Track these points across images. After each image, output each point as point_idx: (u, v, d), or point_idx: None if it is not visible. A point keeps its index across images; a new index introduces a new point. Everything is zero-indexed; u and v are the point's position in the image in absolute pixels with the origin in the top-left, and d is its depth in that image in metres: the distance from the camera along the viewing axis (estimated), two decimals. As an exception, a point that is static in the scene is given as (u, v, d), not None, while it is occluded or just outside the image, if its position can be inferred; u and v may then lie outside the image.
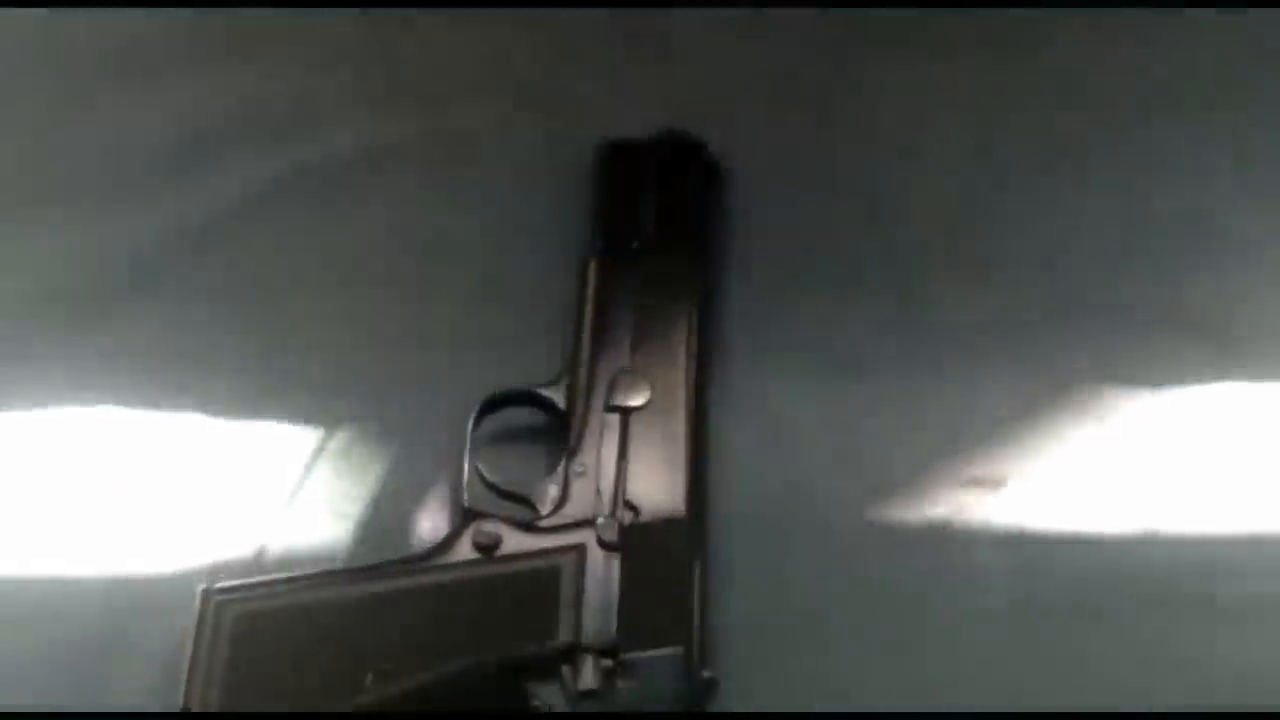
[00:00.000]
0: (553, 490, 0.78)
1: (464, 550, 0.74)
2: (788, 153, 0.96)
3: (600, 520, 0.75)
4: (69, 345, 0.88)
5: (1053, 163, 0.96)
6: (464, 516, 0.76)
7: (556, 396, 0.81)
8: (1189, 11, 0.99)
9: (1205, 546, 0.81)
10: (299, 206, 0.94)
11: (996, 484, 0.83)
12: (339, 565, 0.78)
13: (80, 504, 0.82)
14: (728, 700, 0.73)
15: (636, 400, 0.80)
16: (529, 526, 0.76)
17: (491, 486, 0.78)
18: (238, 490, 0.82)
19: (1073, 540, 0.81)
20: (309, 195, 0.95)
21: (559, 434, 0.80)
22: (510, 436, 0.82)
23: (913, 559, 0.80)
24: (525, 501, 0.78)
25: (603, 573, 0.74)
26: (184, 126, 0.98)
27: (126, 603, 0.78)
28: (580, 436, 0.79)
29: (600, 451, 0.78)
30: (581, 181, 0.92)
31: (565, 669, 0.71)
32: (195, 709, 0.69)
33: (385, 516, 0.81)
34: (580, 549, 0.74)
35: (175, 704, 0.70)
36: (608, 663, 0.71)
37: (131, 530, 0.81)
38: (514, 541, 0.75)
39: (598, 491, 0.77)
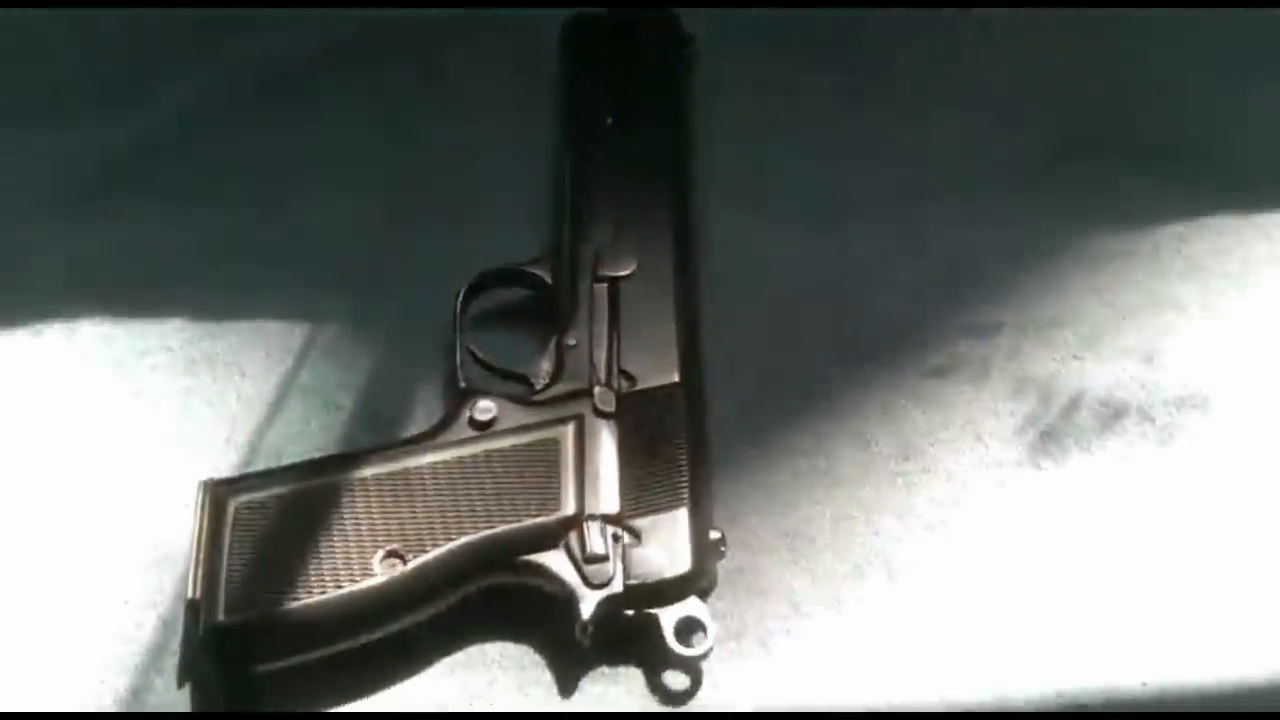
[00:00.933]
0: (546, 365, 0.77)
1: (462, 428, 0.74)
2: (760, 23, 0.96)
3: (596, 390, 0.75)
4: (46, 250, 0.87)
5: (1039, 14, 0.96)
6: (459, 396, 0.76)
7: (543, 273, 0.81)
8: None
9: (1202, 381, 0.81)
10: (273, 105, 0.94)
11: (993, 331, 0.82)
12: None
13: (67, 413, 0.81)
14: (732, 558, 0.74)
15: (624, 270, 0.79)
16: (525, 401, 0.75)
17: (485, 365, 0.78)
18: (229, 388, 0.82)
19: (1073, 380, 0.81)
20: (283, 93, 0.94)
21: (548, 310, 0.80)
22: (500, 316, 0.82)
23: (912, 408, 0.80)
24: (519, 378, 0.77)
25: (602, 441, 0.74)
26: (140, 41, 0.97)
27: (126, 505, 0.77)
28: (570, 310, 0.79)
29: (591, 323, 0.78)
30: (553, 60, 0.91)
31: (572, 537, 0.71)
32: (200, 599, 0.69)
33: (379, 404, 0.81)
34: (578, 419, 0.74)
35: (181, 596, 0.70)
36: (613, 529, 0.71)
37: (124, 432, 0.80)
38: (511, 416, 0.74)
39: (591, 362, 0.76)
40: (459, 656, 0.72)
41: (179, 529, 0.73)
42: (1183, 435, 0.79)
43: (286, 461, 0.76)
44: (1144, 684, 0.71)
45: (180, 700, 0.70)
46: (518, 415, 0.74)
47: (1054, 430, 0.79)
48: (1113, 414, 0.79)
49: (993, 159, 0.89)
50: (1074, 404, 0.80)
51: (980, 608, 0.73)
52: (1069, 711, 0.70)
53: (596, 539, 0.70)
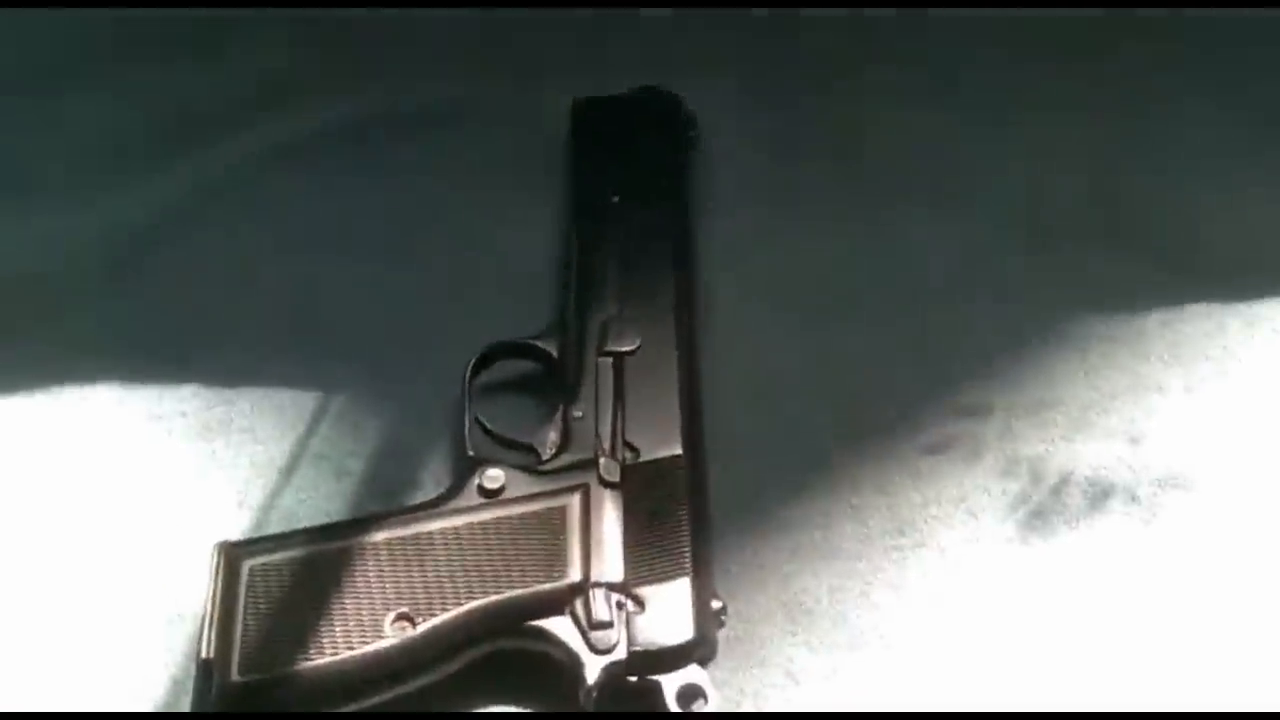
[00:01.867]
0: (553, 435, 0.79)
1: (471, 495, 0.76)
2: (760, 99, 0.99)
3: (601, 461, 0.77)
4: (59, 328, 0.89)
5: (1023, 97, 0.99)
6: (468, 465, 0.77)
7: (550, 346, 0.83)
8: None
9: (1185, 462, 0.83)
10: (282, 183, 0.96)
11: (985, 412, 0.85)
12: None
13: (85, 478, 0.83)
14: (732, 627, 0.75)
15: (627, 345, 0.82)
16: (533, 470, 0.77)
17: (493, 435, 0.80)
18: (242, 453, 0.83)
19: (1062, 460, 0.83)
20: (292, 171, 0.96)
21: (554, 383, 0.82)
22: (506, 389, 0.84)
23: (907, 488, 0.82)
24: (526, 448, 0.79)
25: (607, 510, 0.75)
26: (161, 110, 1.00)
27: (139, 566, 0.79)
28: (576, 383, 0.81)
29: (596, 396, 0.80)
30: (562, 140, 0.94)
31: (577, 603, 0.72)
32: (214, 658, 0.70)
33: (389, 472, 0.82)
34: (584, 489, 0.76)
35: (192, 656, 0.72)
36: (618, 596, 0.73)
37: (139, 500, 0.81)
38: (519, 485, 0.76)
39: (596, 434, 0.78)
40: (464, 721, 0.74)
41: (191, 590, 0.75)
42: (1166, 515, 0.80)
43: (298, 526, 0.78)
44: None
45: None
46: (525, 484, 0.76)
47: (1043, 509, 0.81)
48: (1100, 493, 0.81)
49: (987, 246, 0.92)
50: (1062, 483, 0.82)
51: (972, 680, 0.75)
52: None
53: (601, 606, 0.72)
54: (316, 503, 0.81)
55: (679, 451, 0.78)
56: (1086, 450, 0.83)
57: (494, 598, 0.72)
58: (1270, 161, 0.96)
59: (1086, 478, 0.82)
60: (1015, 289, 0.90)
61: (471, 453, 0.78)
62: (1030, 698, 0.74)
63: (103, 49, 1.03)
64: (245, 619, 0.71)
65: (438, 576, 0.73)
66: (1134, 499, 0.81)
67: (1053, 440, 0.84)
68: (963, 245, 0.92)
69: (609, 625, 0.72)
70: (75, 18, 1.04)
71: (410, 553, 0.73)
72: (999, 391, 0.85)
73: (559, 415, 0.80)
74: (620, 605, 0.73)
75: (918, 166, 0.96)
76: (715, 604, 0.74)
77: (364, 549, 0.73)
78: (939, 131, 0.97)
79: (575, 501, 0.76)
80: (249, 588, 0.72)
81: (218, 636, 0.71)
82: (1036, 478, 0.82)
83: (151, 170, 0.96)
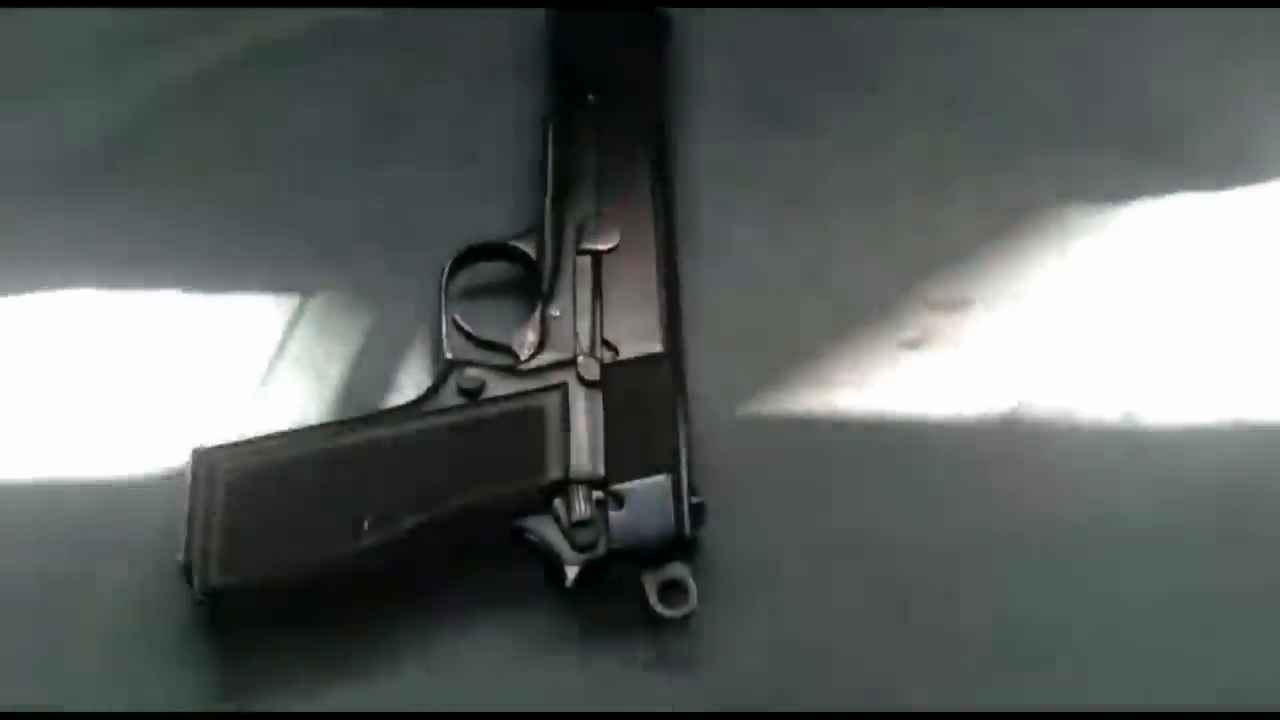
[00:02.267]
0: (530, 336, 0.79)
1: (449, 397, 0.76)
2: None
3: (580, 360, 0.77)
4: (34, 231, 0.88)
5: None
6: (446, 366, 0.77)
7: (527, 247, 0.82)
8: None
9: (1165, 364, 0.83)
10: (261, 83, 0.94)
11: (963, 305, 0.85)
12: (326, 422, 0.79)
13: (62, 384, 0.82)
14: (712, 526, 0.75)
15: (606, 244, 0.81)
16: (510, 371, 0.77)
17: (470, 336, 0.79)
18: (218, 362, 0.83)
19: (1039, 356, 0.83)
20: (269, 72, 0.94)
21: (532, 284, 0.82)
22: (484, 290, 0.83)
23: (884, 382, 0.82)
24: (504, 349, 0.79)
25: (586, 410, 0.75)
26: (129, 14, 0.97)
27: (118, 476, 0.79)
28: (554, 282, 0.80)
29: (575, 295, 0.80)
30: (537, 40, 0.92)
31: (557, 502, 0.73)
32: (195, 564, 0.70)
33: (366, 375, 0.82)
34: (562, 388, 0.76)
35: (174, 564, 0.72)
36: (598, 494, 0.73)
37: (116, 407, 0.81)
38: (497, 386, 0.76)
39: (575, 333, 0.78)
40: (451, 619, 0.74)
41: (171, 495, 0.74)
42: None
43: (276, 430, 0.77)
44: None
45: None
46: (503, 385, 0.76)
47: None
48: (1081, 386, 0.82)
49: (966, 144, 0.91)
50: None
51: (954, 571, 0.76)
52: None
53: (581, 503, 0.72)
54: (295, 407, 0.81)
55: (658, 349, 0.78)
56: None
57: (474, 497, 0.72)
58: (1245, 48, 0.95)
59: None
60: (994, 185, 0.89)
61: (449, 355, 0.78)
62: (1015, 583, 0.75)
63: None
64: (223, 523, 0.71)
65: (417, 478, 0.73)
66: (1115, 390, 0.82)
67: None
68: (942, 143, 0.90)
69: (590, 523, 0.72)
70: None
71: (389, 454, 0.73)
72: (976, 285, 0.85)
73: (537, 315, 0.79)
74: (600, 503, 0.73)
75: (896, 65, 0.94)
76: (695, 499, 0.74)
77: (342, 451, 0.74)
78: (919, 31, 0.95)
79: (554, 400, 0.75)
80: (227, 492, 0.72)
81: (197, 541, 0.71)
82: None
83: (118, 75, 0.94)
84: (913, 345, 0.83)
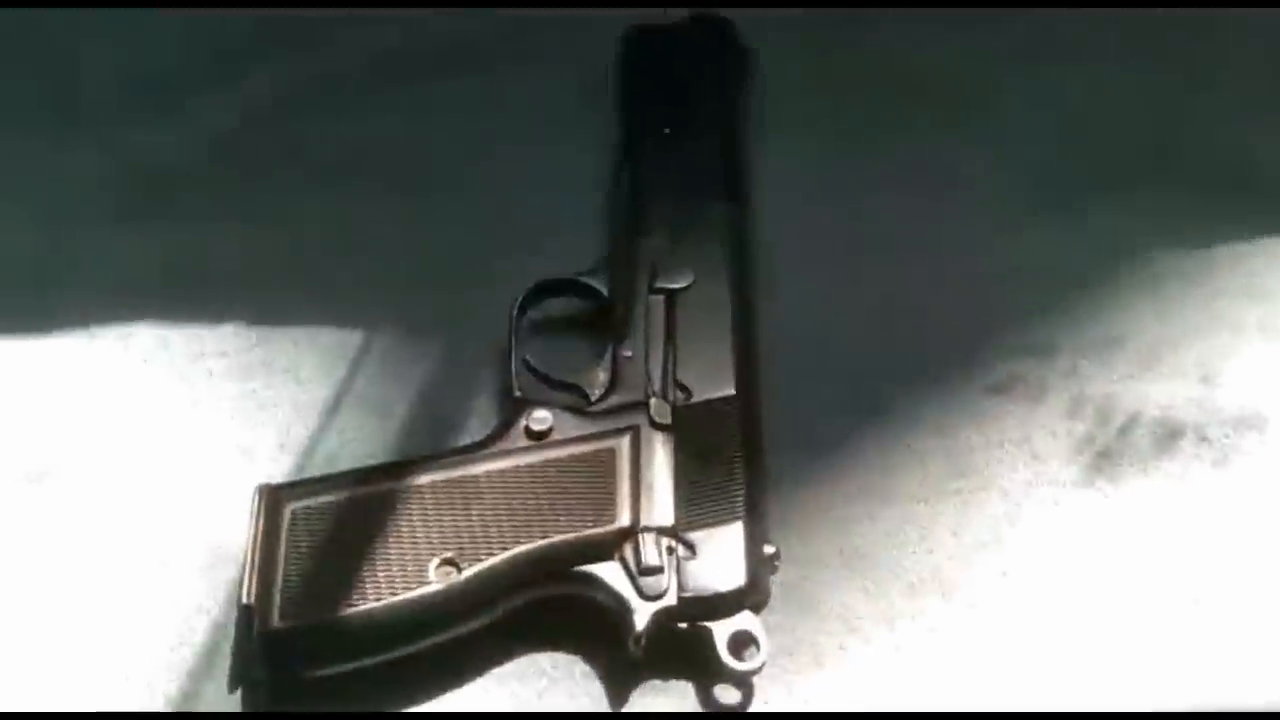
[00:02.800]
0: (602, 375, 0.77)
1: (518, 437, 0.74)
2: (815, 29, 0.96)
3: (652, 402, 0.75)
4: (102, 255, 0.88)
5: (1079, 31, 0.96)
6: (514, 406, 0.76)
7: (599, 283, 0.81)
8: None
9: (1259, 402, 0.80)
10: (324, 117, 0.94)
11: (1050, 351, 0.82)
12: (393, 461, 0.78)
13: (124, 419, 0.81)
14: (785, 573, 0.73)
15: (680, 282, 0.79)
16: (581, 412, 0.75)
17: (540, 375, 0.78)
18: (284, 394, 0.82)
19: (1130, 399, 0.80)
20: (336, 102, 0.94)
21: (604, 321, 0.80)
22: (555, 327, 0.82)
23: (968, 430, 0.80)
24: (575, 389, 0.77)
25: (658, 453, 0.74)
26: (199, 43, 0.98)
27: (182, 509, 0.77)
28: (626, 321, 0.79)
29: (647, 334, 0.78)
30: (613, 70, 0.91)
31: (626, 548, 0.71)
32: (255, 604, 0.69)
33: (434, 414, 0.81)
34: (634, 430, 0.74)
35: (234, 600, 0.71)
36: (668, 541, 0.71)
37: (181, 443, 0.80)
38: (567, 427, 0.74)
39: (647, 374, 0.76)
40: (510, 666, 0.72)
41: (234, 534, 0.73)
42: (1239, 456, 0.78)
43: (340, 468, 0.76)
44: (1195, 706, 0.70)
45: (231, 703, 0.71)
46: (573, 426, 0.74)
47: (1110, 450, 0.78)
48: (1169, 434, 0.79)
49: (1041, 182, 0.89)
50: (1130, 424, 0.79)
51: (1033, 627, 0.73)
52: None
53: (651, 551, 0.70)
54: (360, 444, 0.80)
55: (732, 392, 0.76)
56: (1155, 390, 0.81)
57: (541, 542, 0.71)
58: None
59: (1155, 418, 0.80)
60: (1080, 225, 0.87)
61: (518, 393, 0.76)
62: (1094, 647, 0.72)
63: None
64: (287, 563, 0.70)
65: (483, 521, 0.71)
66: (1205, 440, 0.79)
67: (1120, 380, 0.81)
68: (1026, 181, 0.89)
69: (659, 571, 0.70)
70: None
71: (455, 496, 0.72)
72: (1064, 330, 0.83)
73: (608, 354, 0.78)
74: (671, 550, 0.71)
75: (977, 102, 0.93)
76: (768, 549, 0.72)
77: (408, 492, 0.72)
78: (998, 67, 0.94)
79: (625, 444, 0.74)
80: (291, 531, 0.71)
81: (259, 581, 0.69)
82: (1103, 418, 0.80)
83: (188, 105, 0.94)
84: (997, 390, 0.81)
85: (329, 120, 0.93)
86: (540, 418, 0.74)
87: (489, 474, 0.72)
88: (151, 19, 0.98)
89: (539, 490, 0.72)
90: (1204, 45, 0.95)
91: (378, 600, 0.69)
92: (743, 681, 0.71)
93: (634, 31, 0.91)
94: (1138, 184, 0.89)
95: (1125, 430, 0.79)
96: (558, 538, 0.71)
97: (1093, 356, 0.82)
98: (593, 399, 0.76)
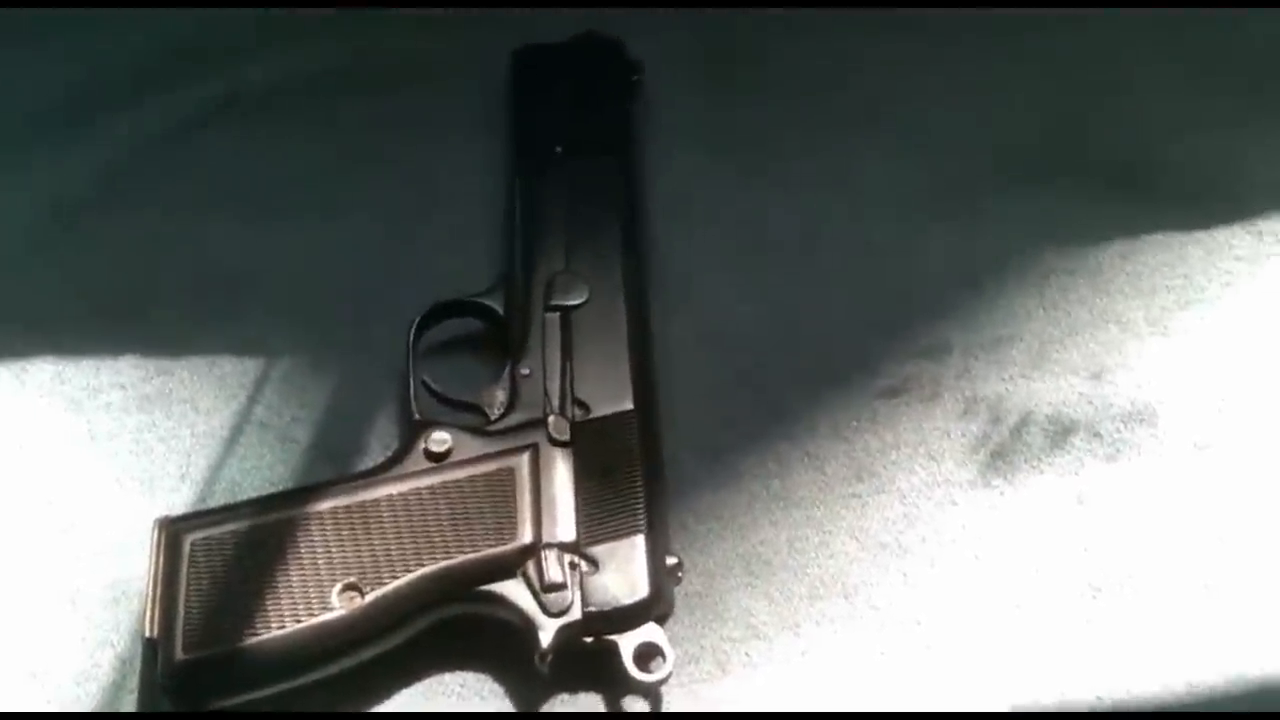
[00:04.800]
0: (500, 394, 0.77)
1: (417, 460, 0.74)
2: (705, 41, 0.97)
3: (550, 419, 0.75)
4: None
5: (975, 30, 0.97)
6: (413, 428, 0.76)
7: (495, 303, 0.81)
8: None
9: (1149, 396, 0.82)
10: (227, 135, 0.93)
11: (942, 352, 0.83)
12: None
13: (22, 449, 0.81)
14: (689, 582, 0.75)
15: (575, 299, 0.80)
16: (480, 431, 0.76)
17: (438, 396, 0.78)
18: (183, 424, 0.81)
19: (1022, 398, 0.82)
20: (237, 124, 0.94)
21: (500, 340, 0.80)
22: (452, 348, 0.82)
23: (865, 433, 0.81)
24: (474, 408, 0.77)
25: (558, 470, 0.74)
26: (92, 70, 0.97)
27: (81, 544, 0.77)
28: (522, 339, 0.79)
29: (544, 352, 0.78)
30: (504, 90, 0.92)
31: (529, 565, 0.71)
32: (158, 637, 0.69)
33: (335, 437, 0.81)
34: (533, 448, 0.74)
35: (138, 634, 0.71)
36: (571, 557, 0.71)
37: (80, 477, 0.80)
38: (466, 447, 0.75)
39: (545, 392, 0.77)
40: (418, 687, 0.72)
41: (136, 567, 0.73)
42: (1130, 451, 0.80)
43: (242, 497, 0.76)
44: (1097, 697, 0.72)
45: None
46: (473, 446, 0.75)
47: (1004, 449, 0.80)
48: (1061, 431, 0.80)
49: (937, 183, 0.90)
50: (1023, 422, 0.81)
51: (935, 626, 0.74)
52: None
53: (554, 567, 0.71)
54: (261, 472, 0.79)
55: (630, 407, 0.76)
56: (1047, 387, 0.82)
57: (444, 563, 0.71)
58: (1223, 90, 0.94)
59: (1047, 415, 0.81)
60: (970, 226, 0.88)
61: (417, 415, 0.77)
62: (994, 641, 0.73)
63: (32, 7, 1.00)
64: (188, 595, 0.70)
65: (385, 544, 0.71)
66: (1096, 435, 0.80)
67: (1012, 378, 0.82)
68: (915, 183, 0.90)
69: (563, 586, 0.70)
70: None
71: (356, 521, 0.72)
72: (956, 330, 0.84)
73: (506, 373, 0.78)
74: (573, 565, 0.71)
75: (866, 105, 0.94)
76: (671, 560, 0.73)
77: (308, 519, 0.72)
78: (888, 69, 0.96)
79: (524, 462, 0.74)
80: (191, 563, 0.70)
81: (161, 614, 0.69)
82: (996, 417, 0.81)
83: (84, 132, 0.93)
84: (893, 393, 0.82)
85: (225, 145, 0.93)
86: (439, 439, 0.74)
87: (389, 497, 0.73)
88: (50, 48, 0.98)
89: (440, 511, 0.72)
90: (1101, 48, 0.97)
91: (281, 629, 0.69)
92: (650, 692, 0.71)
93: (523, 50, 0.92)
94: (1028, 186, 0.90)
95: (1018, 429, 0.80)
96: (460, 557, 0.71)
97: (985, 356, 0.83)
98: (492, 418, 0.77)
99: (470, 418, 0.77)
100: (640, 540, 0.72)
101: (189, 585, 0.70)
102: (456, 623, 0.72)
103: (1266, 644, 0.73)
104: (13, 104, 0.96)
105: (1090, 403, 0.81)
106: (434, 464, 0.74)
